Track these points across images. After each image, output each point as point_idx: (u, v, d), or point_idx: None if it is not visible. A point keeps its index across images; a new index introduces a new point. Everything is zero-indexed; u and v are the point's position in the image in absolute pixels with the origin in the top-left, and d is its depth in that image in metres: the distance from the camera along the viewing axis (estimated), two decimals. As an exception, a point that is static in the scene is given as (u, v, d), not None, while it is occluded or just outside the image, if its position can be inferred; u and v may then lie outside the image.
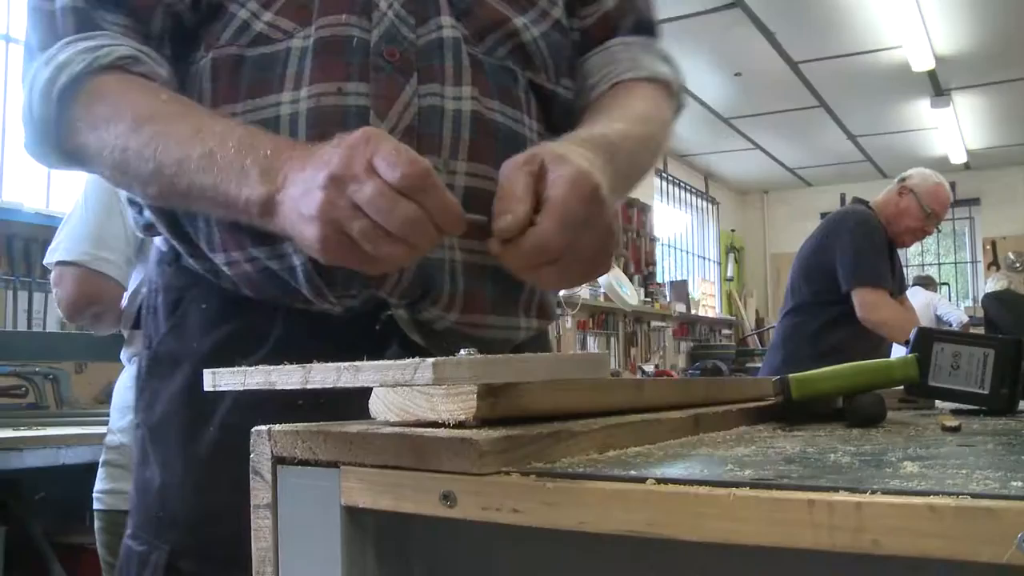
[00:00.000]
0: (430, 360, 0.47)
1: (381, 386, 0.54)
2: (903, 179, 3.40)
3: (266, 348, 0.83)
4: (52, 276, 1.85)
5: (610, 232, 0.72)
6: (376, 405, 0.60)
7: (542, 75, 0.94)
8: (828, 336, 3.27)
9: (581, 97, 0.98)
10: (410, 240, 0.65)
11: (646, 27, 1.04)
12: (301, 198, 0.66)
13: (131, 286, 1.86)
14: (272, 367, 0.55)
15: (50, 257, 1.84)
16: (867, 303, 3.15)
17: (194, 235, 0.85)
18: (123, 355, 1.87)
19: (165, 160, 0.74)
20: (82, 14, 0.82)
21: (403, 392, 0.57)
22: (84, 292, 1.81)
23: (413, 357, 0.79)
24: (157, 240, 0.94)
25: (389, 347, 0.85)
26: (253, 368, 0.56)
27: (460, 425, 0.53)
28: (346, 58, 0.82)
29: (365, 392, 0.75)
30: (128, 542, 0.88)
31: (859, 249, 3.20)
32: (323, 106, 0.81)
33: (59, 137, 0.81)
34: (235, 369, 0.57)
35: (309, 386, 0.53)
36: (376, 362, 0.50)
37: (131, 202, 0.93)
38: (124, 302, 1.88)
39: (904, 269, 3.69)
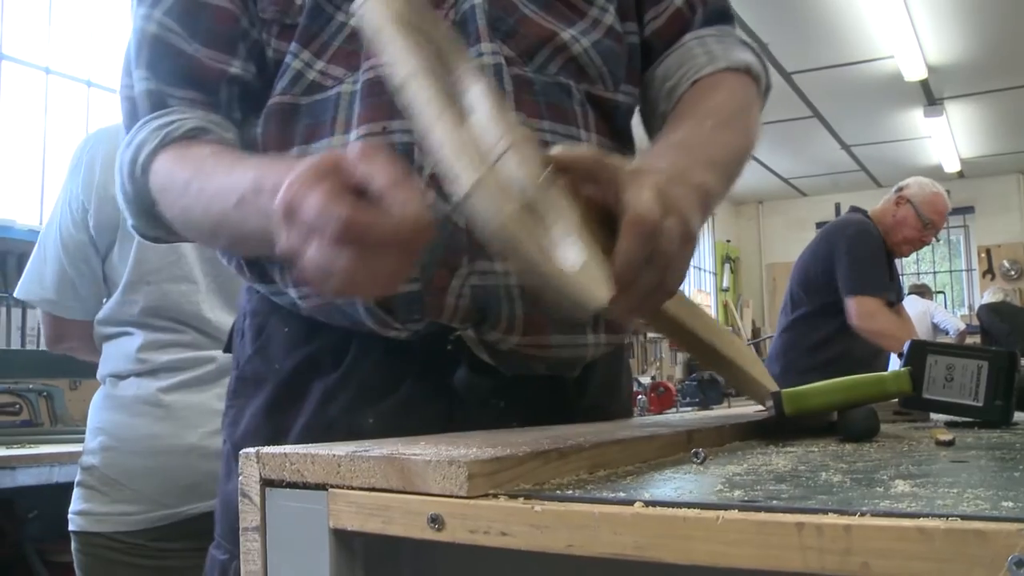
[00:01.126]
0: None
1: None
2: (900, 188, 3.37)
3: (343, 368, 0.87)
4: None
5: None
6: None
7: (599, 85, 0.93)
8: (830, 347, 3.26)
9: (663, 101, 0.97)
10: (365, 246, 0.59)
11: (718, 16, 1.02)
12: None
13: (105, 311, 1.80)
14: None
15: (18, 291, 1.83)
16: (862, 312, 3.14)
17: (271, 274, 0.90)
18: (99, 373, 1.80)
19: (213, 215, 0.79)
20: (155, 96, 0.89)
21: None
22: (54, 333, 1.84)
23: (482, 377, 0.85)
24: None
25: (460, 366, 0.86)
26: None
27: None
28: (389, 97, 0.83)
29: (432, 419, 0.82)
30: (212, 551, 0.93)
31: (856, 257, 3.19)
32: None
33: (151, 210, 0.87)
34: None
35: None
36: None
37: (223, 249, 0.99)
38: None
39: (900, 278, 3.70)
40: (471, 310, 0.84)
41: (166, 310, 1.69)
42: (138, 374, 1.68)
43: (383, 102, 0.83)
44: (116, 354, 1.72)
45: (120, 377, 1.70)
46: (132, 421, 1.65)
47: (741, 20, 5.22)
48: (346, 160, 0.61)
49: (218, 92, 0.90)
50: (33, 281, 1.78)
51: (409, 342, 0.85)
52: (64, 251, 1.72)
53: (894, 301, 3.33)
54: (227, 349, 1.03)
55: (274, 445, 0.86)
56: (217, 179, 0.79)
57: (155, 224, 0.89)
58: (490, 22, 0.87)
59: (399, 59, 0.62)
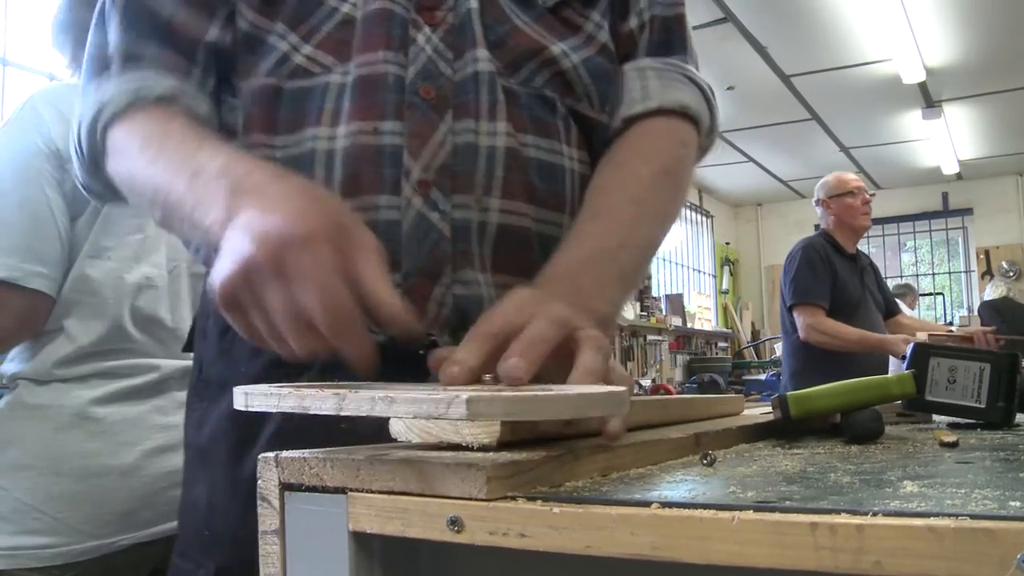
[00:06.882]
0: (464, 395, 0.47)
1: (414, 418, 0.54)
2: (817, 200, 3.79)
3: (312, 371, 0.84)
4: None
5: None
6: (397, 426, 0.60)
7: (584, 103, 0.92)
8: (813, 350, 3.49)
9: None
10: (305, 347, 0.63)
11: (667, 45, 0.99)
12: (227, 252, 0.64)
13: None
14: (307, 392, 0.55)
15: None
16: (804, 323, 3.48)
17: None
18: (5, 371, 1.46)
19: (158, 180, 0.75)
20: (129, 58, 0.85)
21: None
22: (19, 317, 1.38)
23: None
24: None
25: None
26: (287, 391, 0.55)
27: (484, 448, 0.54)
28: (382, 96, 0.83)
29: None
30: (176, 560, 0.90)
31: (794, 272, 3.56)
32: (359, 144, 0.82)
33: (102, 169, 0.84)
34: (269, 391, 0.56)
35: (343, 413, 0.52)
36: (410, 395, 0.50)
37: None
38: None
39: (887, 281, 3.93)
40: (452, 318, 0.83)
41: (118, 301, 1.42)
42: (64, 380, 1.40)
43: (376, 102, 0.82)
44: (37, 354, 1.41)
45: (39, 383, 1.40)
46: (57, 436, 1.36)
47: (739, 23, 5.23)
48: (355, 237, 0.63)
49: (195, 55, 0.87)
50: None
51: (380, 345, 0.85)
52: (24, 207, 1.37)
53: (873, 308, 3.60)
54: (187, 348, 0.97)
55: (240, 451, 0.84)
56: (177, 148, 0.75)
57: (98, 182, 0.86)
58: (483, 30, 0.87)
59: None
